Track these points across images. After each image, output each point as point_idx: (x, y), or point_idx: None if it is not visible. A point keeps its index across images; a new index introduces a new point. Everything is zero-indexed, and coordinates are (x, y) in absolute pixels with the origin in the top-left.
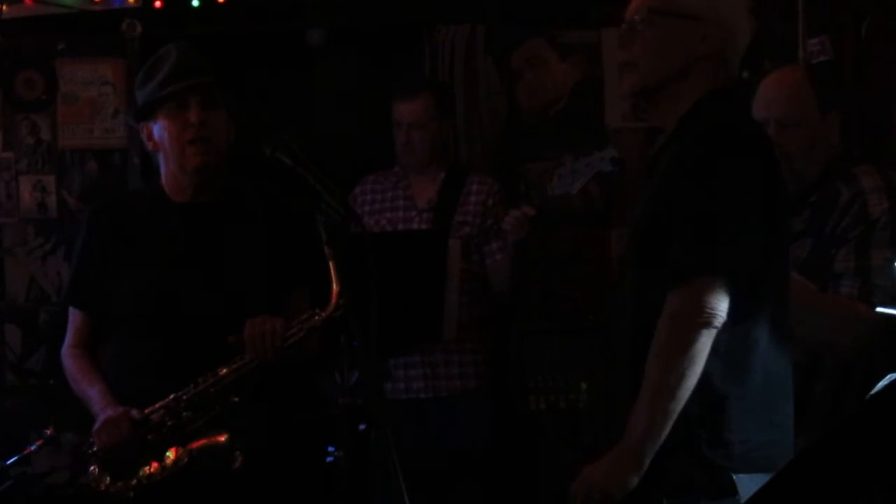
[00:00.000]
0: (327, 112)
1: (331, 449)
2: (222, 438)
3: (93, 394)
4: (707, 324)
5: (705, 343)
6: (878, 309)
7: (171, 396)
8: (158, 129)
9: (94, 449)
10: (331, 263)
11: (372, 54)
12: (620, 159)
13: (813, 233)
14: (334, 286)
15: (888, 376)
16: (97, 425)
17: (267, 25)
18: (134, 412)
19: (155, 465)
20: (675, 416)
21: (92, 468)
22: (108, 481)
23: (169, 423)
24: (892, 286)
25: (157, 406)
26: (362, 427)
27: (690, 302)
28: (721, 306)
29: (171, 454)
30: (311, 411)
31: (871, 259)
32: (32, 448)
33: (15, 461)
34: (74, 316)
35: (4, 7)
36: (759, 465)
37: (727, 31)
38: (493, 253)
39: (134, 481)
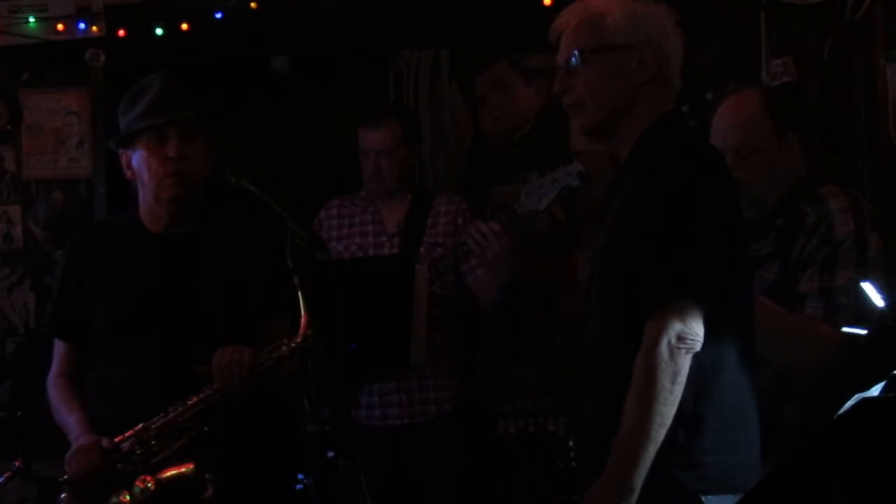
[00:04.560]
0: (291, 139)
1: (300, 476)
2: (190, 467)
3: (70, 422)
4: (690, 348)
5: (686, 367)
6: (844, 329)
7: (141, 426)
8: (137, 159)
9: (65, 476)
10: (300, 293)
11: (336, 80)
12: (587, 173)
13: (780, 256)
14: (303, 316)
15: (855, 396)
16: (69, 453)
17: (231, 53)
18: (104, 441)
19: (125, 493)
20: (660, 443)
21: (63, 496)
22: None
23: (138, 452)
24: (857, 306)
25: (127, 435)
26: (331, 454)
27: (671, 327)
28: (699, 329)
29: (140, 483)
30: (280, 438)
31: (835, 280)
32: (1, 480)
33: None
34: (58, 346)
35: None
36: (732, 487)
37: (661, 51)
38: (474, 269)
39: None
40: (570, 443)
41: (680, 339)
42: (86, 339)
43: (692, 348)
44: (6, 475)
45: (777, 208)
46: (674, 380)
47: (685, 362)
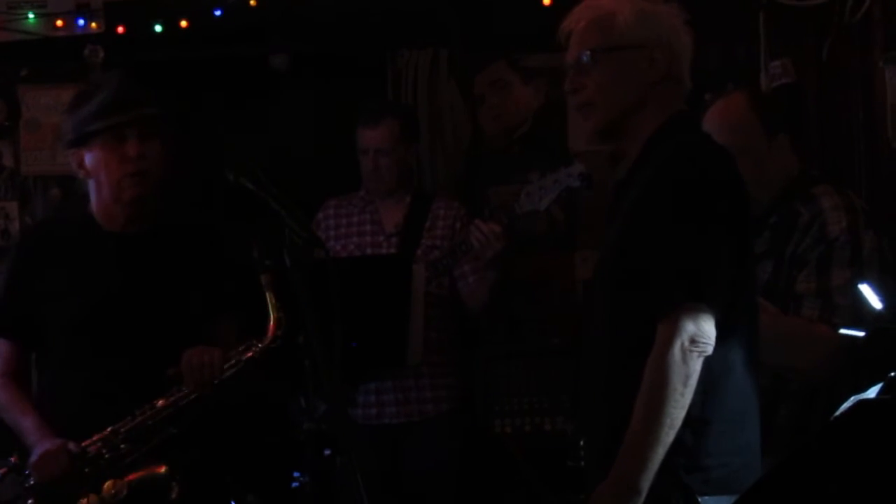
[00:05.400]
0: (290, 137)
1: (296, 474)
2: (161, 470)
3: (26, 424)
4: (703, 351)
5: (698, 370)
6: (841, 331)
7: (109, 429)
8: (92, 159)
9: (31, 482)
10: (267, 294)
11: (335, 79)
12: (588, 174)
13: (774, 255)
14: (272, 317)
15: (852, 398)
16: (34, 459)
17: (230, 50)
18: (71, 445)
19: (93, 497)
20: (668, 445)
21: (29, 502)
22: None
23: (107, 456)
24: (854, 306)
25: (94, 438)
26: (327, 452)
27: (684, 330)
28: (712, 332)
29: (109, 486)
30: (275, 436)
31: (831, 279)
32: None
33: None
34: (1, 344)
35: None
36: (734, 489)
37: (671, 50)
38: (466, 276)
39: None
40: (581, 443)
41: (693, 342)
42: (32, 339)
43: (704, 351)
44: (2, 472)
45: (772, 207)
46: (685, 383)
47: (697, 365)
